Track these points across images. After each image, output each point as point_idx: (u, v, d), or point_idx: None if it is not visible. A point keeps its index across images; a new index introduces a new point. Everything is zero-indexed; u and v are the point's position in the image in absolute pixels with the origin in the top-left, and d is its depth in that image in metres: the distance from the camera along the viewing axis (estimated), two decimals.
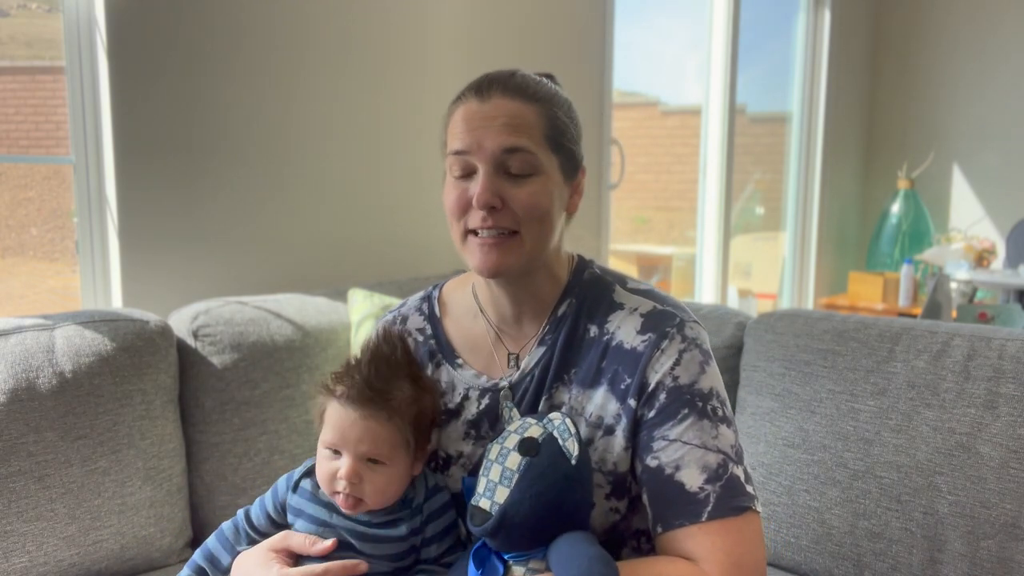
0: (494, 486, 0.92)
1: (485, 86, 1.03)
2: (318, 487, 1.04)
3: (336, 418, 0.99)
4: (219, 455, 1.67)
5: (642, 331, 1.03)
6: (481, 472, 0.95)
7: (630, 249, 4.03)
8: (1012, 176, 4.52)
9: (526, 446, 0.92)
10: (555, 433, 0.93)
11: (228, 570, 1.06)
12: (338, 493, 0.99)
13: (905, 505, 1.44)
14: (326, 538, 1.00)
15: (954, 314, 3.53)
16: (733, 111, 3.80)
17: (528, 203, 1.00)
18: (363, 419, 0.98)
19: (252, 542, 1.08)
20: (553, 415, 0.96)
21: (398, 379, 1.02)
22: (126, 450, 1.51)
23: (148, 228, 1.93)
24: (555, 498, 0.91)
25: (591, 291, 1.09)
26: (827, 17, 4.29)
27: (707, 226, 3.89)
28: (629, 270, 3.71)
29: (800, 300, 4.55)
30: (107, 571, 1.51)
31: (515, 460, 0.92)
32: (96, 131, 1.88)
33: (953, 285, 4.02)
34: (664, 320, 1.03)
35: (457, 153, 1.02)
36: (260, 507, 1.09)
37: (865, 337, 1.57)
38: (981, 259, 4.24)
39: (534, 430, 0.94)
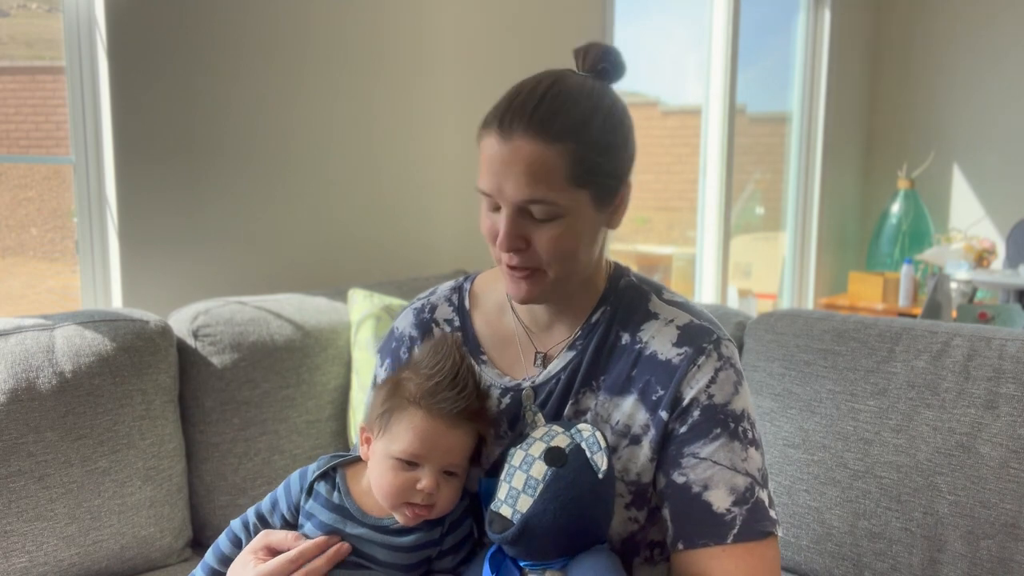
0: (517, 494, 0.90)
1: (508, 120, 0.94)
2: (333, 490, 1.01)
3: (424, 429, 0.95)
4: (219, 455, 1.67)
5: (678, 344, 1.01)
6: (503, 477, 0.93)
7: (630, 249, 4.03)
8: (1012, 176, 4.52)
9: (552, 456, 0.90)
10: (583, 445, 0.91)
11: None
12: (409, 504, 0.96)
13: (905, 505, 1.44)
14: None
15: (954, 314, 3.53)
16: (733, 111, 3.80)
17: (550, 247, 0.97)
18: (454, 429, 0.96)
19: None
20: (582, 426, 0.93)
21: (480, 388, 1.02)
22: (126, 450, 1.51)
23: (148, 228, 1.93)
24: (579, 511, 0.89)
25: (626, 299, 1.07)
26: (827, 17, 4.29)
27: (707, 226, 3.89)
28: None
29: (800, 300, 4.55)
30: (107, 571, 1.51)
31: (540, 469, 0.90)
32: (96, 131, 1.88)
33: (953, 285, 4.02)
34: (701, 335, 1.02)
35: (482, 192, 0.98)
36: (274, 508, 1.05)
37: (865, 337, 1.57)
38: (981, 259, 4.24)
39: (561, 439, 0.92)
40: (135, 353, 1.56)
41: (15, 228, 1.94)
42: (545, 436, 0.93)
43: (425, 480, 0.95)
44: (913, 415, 1.46)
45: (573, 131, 0.95)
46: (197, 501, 1.67)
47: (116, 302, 1.91)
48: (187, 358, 1.67)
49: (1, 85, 1.92)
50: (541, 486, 0.89)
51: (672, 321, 1.04)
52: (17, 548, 1.39)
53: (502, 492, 0.92)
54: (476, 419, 0.99)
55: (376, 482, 0.98)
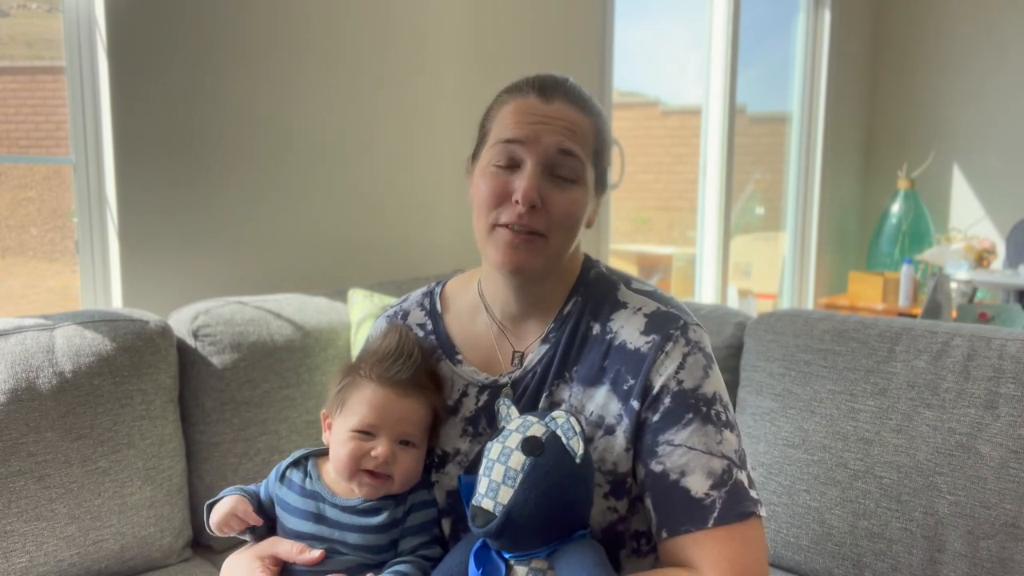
0: (497, 486, 0.91)
1: (550, 88, 1.03)
2: (306, 476, 1.05)
3: (376, 398, 1.01)
4: (219, 455, 1.67)
5: (646, 332, 1.03)
6: (482, 472, 0.94)
7: (630, 249, 4.03)
8: (1012, 176, 4.52)
9: (530, 445, 0.92)
10: (559, 432, 0.93)
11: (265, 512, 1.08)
12: (364, 472, 1.00)
13: (905, 505, 1.44)
14: (313, 538, 1.01)
15: (954, 314, 3.53)
16: (733, 111, 3.80)
17: (566, 210, 1.01)
18: (404, 398, 1.02)
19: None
20: (556, 413, 0.95)
21: (430, 365, 1.08)
22: (126, 450, 1.51)
23: (148, 228, 1.93)
24: (560, 497, 0.91)
25: (596, 289, 1.09)
26: (827, 17, 4.29)
27: (707, 226, 3.89)
28: (629, 270, 3.71)
29: (800, 300, 4.55)
30: (107, 571, 1.51)
31: (519, 460, 0.91)
32: (96, 131, 1.88)
33: (953, 285, 4.02)
34: (668, 322, 1.03)
35: (508, 142, 1.01)
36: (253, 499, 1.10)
37: (865, 337, 1.57)
38: (981, 259, 4.24)
39: (536, 429, 0.93)
40: (135, 353, 1.56)
41: (15, 228, 1.94)
42: (521, 427, 0.94)
43: (380, 448, 1.00)
44: (913, 415, 1.46)
45: (597, 113, 1.06)
46: (197, 501, 1.67)
47: (116, 302, 1.91)
48: (187, 358, 1.67)
49: (1, 85, 1.92)
50: (521, 476, 0.90)
51: (640, 310, 1.05)
52: (17, 548, 1.39)
53: (482, 486, 0.93)
54: (425, 388, 1.04)
55: (334, 455, 1.02)
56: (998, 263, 4.36)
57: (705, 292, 3.91)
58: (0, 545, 1.37)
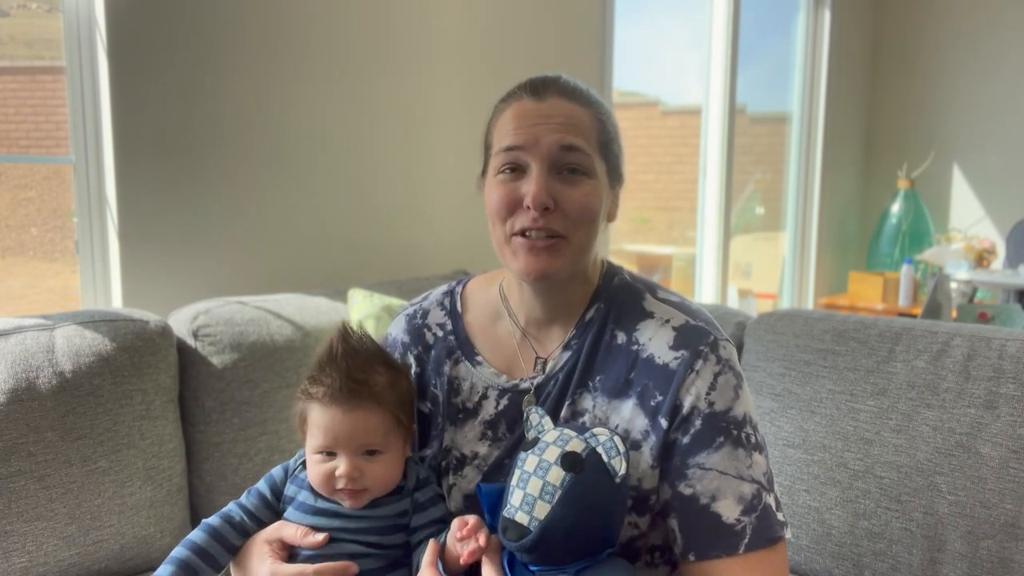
0: (533, 500, 0.89)
1: (540, 86, 1.02)
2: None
3: (323, 420, 0.99)
4: (219, 455, 1.67)
5: (675, 347, 1.00)
6: (515, 484, 0.92)
7: (630, 249, 4.03)
8: (1012, 176, 4.53)
9: (570, 461, 0.89)
10: (600, 449, 0.91)
11: (218, 563, 1.05)
12: (339, 491, 0.99)
13: (905, 505, 1.44)
14: (317, 525, 1.01)
15: (954, 314, 3.53)
16: (733, 111, 3.80)
17: (581, 204, 0.99)
18: (351, 412, 0.99)
19: (243, 530, 1.07)
20: (598, 430, 0.93)
21: (373, 365, 1.03)
22: (126, 450, 1.51)
23: (148, 228, 1.93)
24: (597, 516, 0.89)
25: (620, 297, 1.07)
26: (827, 17, 4.29)
27: (707, 226, 3.89)
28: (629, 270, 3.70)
29: (800, 300, 4.55)
30: (107, 571, 1.51)
31: (557, 475, 0.89)
32: (96, 131, 1.88)
33: (953, 285, 4.02)
34: (698, 337, 1.01)
35: (509, 149, 0.99)
36: (253, 492, 1.09)
37: (865, 337, 1.57)
38: (981, 259, 4.24)
39: (575, 444, 0.91)
40: (135, 353, 1.56)
41: (15, 228, 1.94)
42: (558, 441, 0.92)
43: (341, 467, 0.98)
44: (913, 415, 1.46)
45: (597, 104, 1.04)
46: (197, 501, 1.67)
47: (116, 302, 1.92)
48: (187, 358, 1.67)
49: (1, 85, 1.92)
50: (560, 492, 0.88)
51: (668, 321, 1.03)
52: (17, 548, 1.39)
53: (516, 498, 0.90)
54: (375, 396, 1.00)
55: (310, 477, 1.02)
56: (998, 263, 4.37)
57: (705, 292, 3.91)
58: (0, 545, 1.37)
